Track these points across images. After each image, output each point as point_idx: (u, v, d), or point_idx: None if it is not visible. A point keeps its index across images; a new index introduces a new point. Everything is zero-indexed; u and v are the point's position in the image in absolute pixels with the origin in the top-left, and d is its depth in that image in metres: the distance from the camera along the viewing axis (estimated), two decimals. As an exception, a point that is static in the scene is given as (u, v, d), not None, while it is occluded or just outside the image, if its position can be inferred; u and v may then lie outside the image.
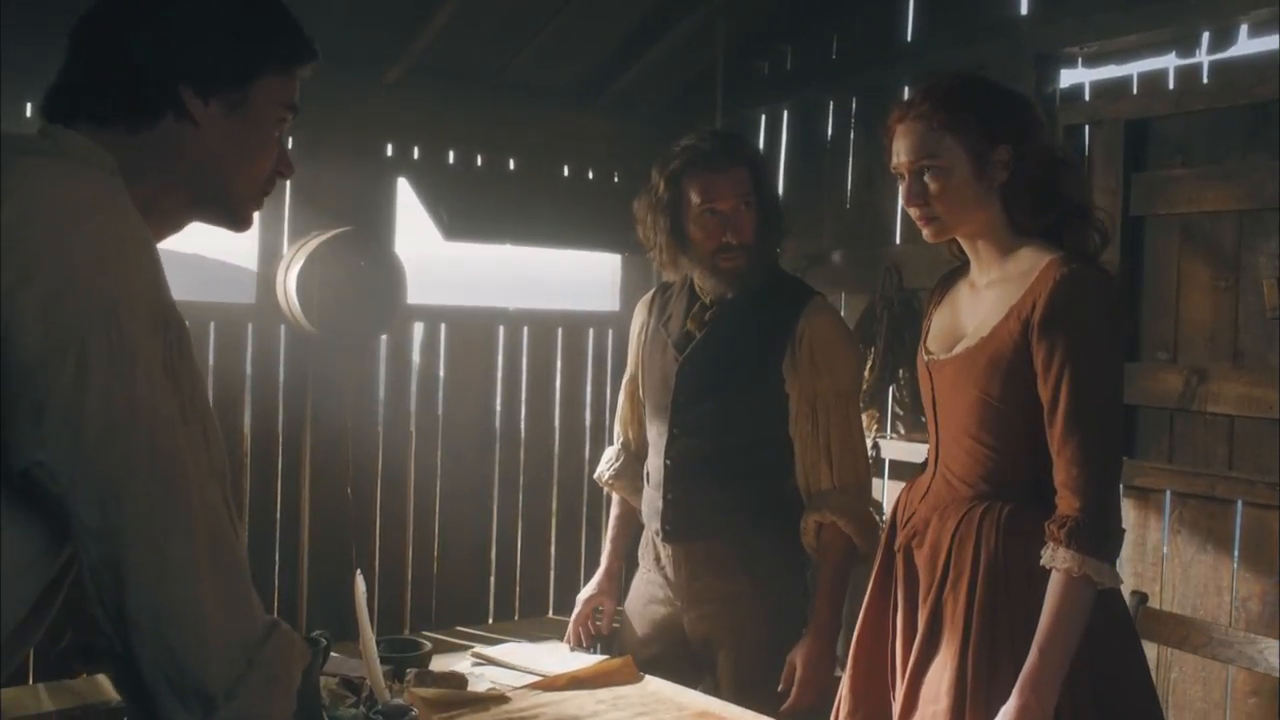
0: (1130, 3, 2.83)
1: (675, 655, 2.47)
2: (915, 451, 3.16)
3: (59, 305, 1.04)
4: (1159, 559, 2.81)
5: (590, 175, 4.04)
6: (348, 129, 3.46)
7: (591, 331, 4.13)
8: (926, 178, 1.84)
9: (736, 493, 2.41)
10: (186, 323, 1.17)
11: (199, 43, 1.23)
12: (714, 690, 2.39)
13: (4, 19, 2.58)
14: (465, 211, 3.66)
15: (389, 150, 3.63)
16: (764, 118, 3.92)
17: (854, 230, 3.59)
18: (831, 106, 3.70)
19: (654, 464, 2.52)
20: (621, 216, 2.67)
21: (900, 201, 1.94)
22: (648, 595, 2.55)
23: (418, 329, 3.78)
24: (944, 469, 1.94)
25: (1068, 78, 3.07)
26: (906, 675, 1.89)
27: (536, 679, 2.30)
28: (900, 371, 3.33)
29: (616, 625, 2.67)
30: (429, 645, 2.35)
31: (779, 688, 2.33)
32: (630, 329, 2.71)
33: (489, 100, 3.75)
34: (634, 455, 2.70)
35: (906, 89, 3.42)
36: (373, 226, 3.52)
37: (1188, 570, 2.75)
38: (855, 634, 2.06)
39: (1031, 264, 1.82)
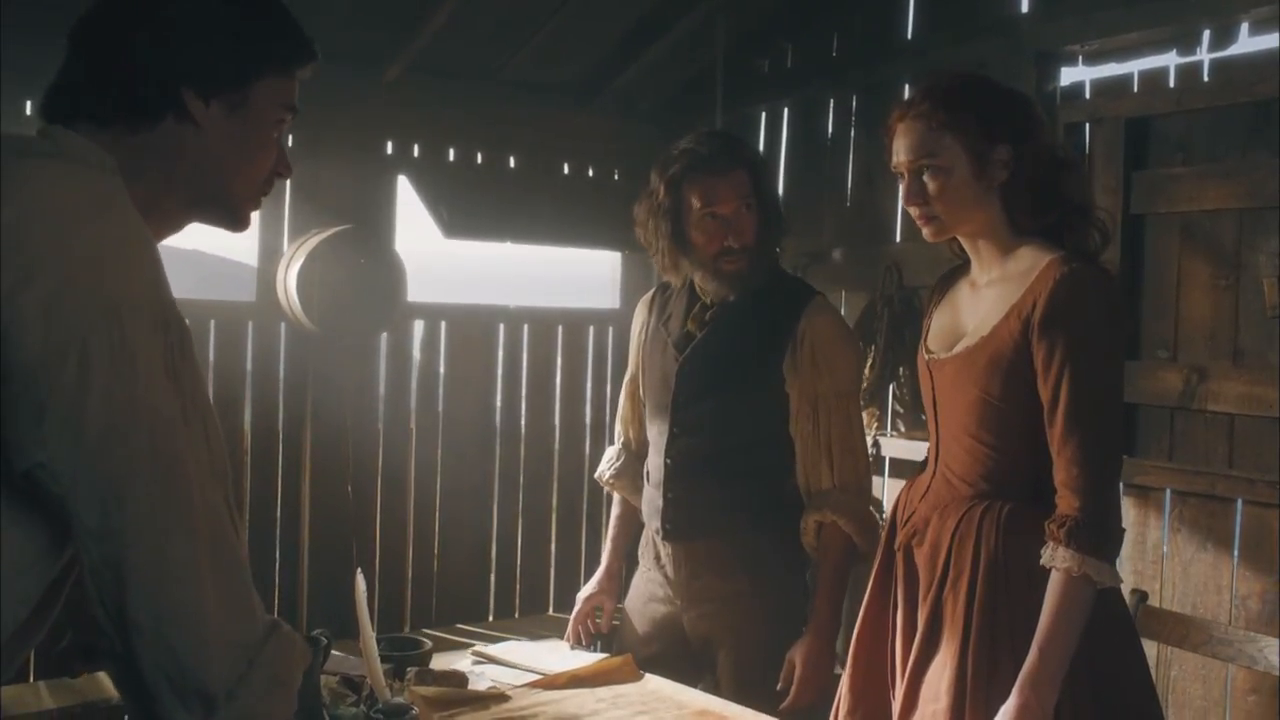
0: (1131, 1, 2.83)
1: (675, 654, 2.47)
2: (915, 450, 3.16)
3: (60, 306, 1.04)
4: (1159, 557, 2.81)
5: (590, 173, 4.05)
6: (348, 127, 3.47)
7: (592, 329, 4.13)
8: (926, 177, 1.84)
9: (736, 492, 2.41)
10: (187, 322, 1.17)
11: (200, 44, 1.23)
12: (714, 689, 2.39)
13: (4, 18, 2.57)
14: (465, 209, 3.66)
15: (389, 148, 3.64)
16: (764, 115, 3.92)
17: (854, 228, 3.59)
18: (832, 104, 3.71)
19: (654, 463, 2.52)
20: (621, 214, 2.67)
21: (900, 200, 1.93)
22: (648, 594, 2.55)
23: (418, 327, 3.78)
24: (944, 468, 1.94)
25: (1068, 76, 3.08)
26: (906, 674, 1.89)
27: (537, 677, 2.30)
28: (900, 370, 3.33)
29: (616, 623, 2.68)
30: (429, 644, 2.35)
31: (778, 686, 2.33)
32: (630, 328, 2.71)
33: (489, 98, 3.75)
34: (634, 454, 2.70)
35: (907, 87, 3.42)
36: (373, 224, 3.52)
37: (1188, 569, 2.75)
38: (855, 632, 2.06)
39: (1032, 263, 1.82)
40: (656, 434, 2.52)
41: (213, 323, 3.38)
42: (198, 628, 1.08)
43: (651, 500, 2.53)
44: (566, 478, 4.08)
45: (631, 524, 2.72)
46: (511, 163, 3.88)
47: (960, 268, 2.03)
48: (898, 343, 3.31)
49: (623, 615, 2.64)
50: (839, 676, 2.13)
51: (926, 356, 1.98)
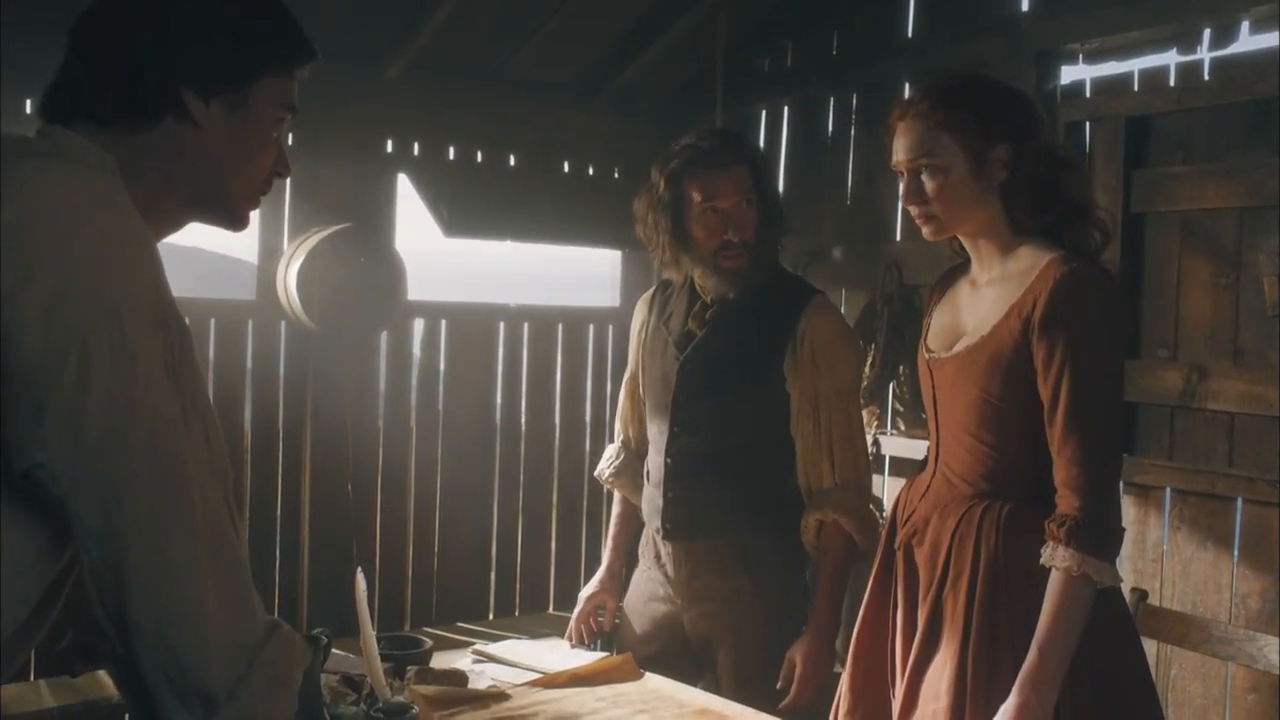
0: (1131, -1, 2.83)
1: (675, 653, 2.47)
2: (915, 448, 3.16)
3: (60, 306, 1.04)
4: (1159, 556, 2.81)
5: (590, 171, 4.05)
6: (348, 125, 3.47)
7: (592, 327, 4.13)
8: (924, 176, 1.84)
9: (737, 491, 2.41)
10: (187, 321, 1.17)
11: (200, 44, 1.23)
12: (714, 688, 2.39)
13: (4, 16, 2.57)
14: (465, 208, 3.66)
15: (389, 146, 3.64)
16: (764, 114, 3.92)
17: (854, 227, 3.59)
18: (832, 103, 3.70)
19: (654, 462, 2.52)
20: (622, 212, 2.67)
21: (900, 199, 1.93)
22: (648, 593, 2.55)
23: (418, 325, 3.79)
24: (944, 467, 1.94)
25: (1069, 74, 3.07)
26: (906, 673, 1.89)
27: (537, 676, 2.30)
28: (900, 368, 3.33)
29: (618, 622, 2.68)
30: (429, 642, 2.35)
31: (779, 685, 2.33)
32: (630, 327, 2.71)
33: (489, 97, 3.75)
34: (634, 453, 2.70)
35: (907, 86, 3.43)
36: (373, 223, 3.52)
37: (1187, 567, 2.75)
38: (855, 631, 2.06)
39: (1032, 262, 1.81)
40: (657, 433, 2.51)
41: (213, 321, 3.38)
42: (198, 628, 1.08)
43: (651, 499, 2.53)
44: (567, 476, 4.08)
45: (632, 523, 2.72)
46: (511, 161, 3.88)
47: (960, 266, 2.03)
48: (898, 341, 3.31)
49: (623, 614, 2.64)
50: (839, 675, 2.13)
51: (927, 355, 1.98)
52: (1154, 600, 2.58)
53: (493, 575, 3.95)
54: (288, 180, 3.16)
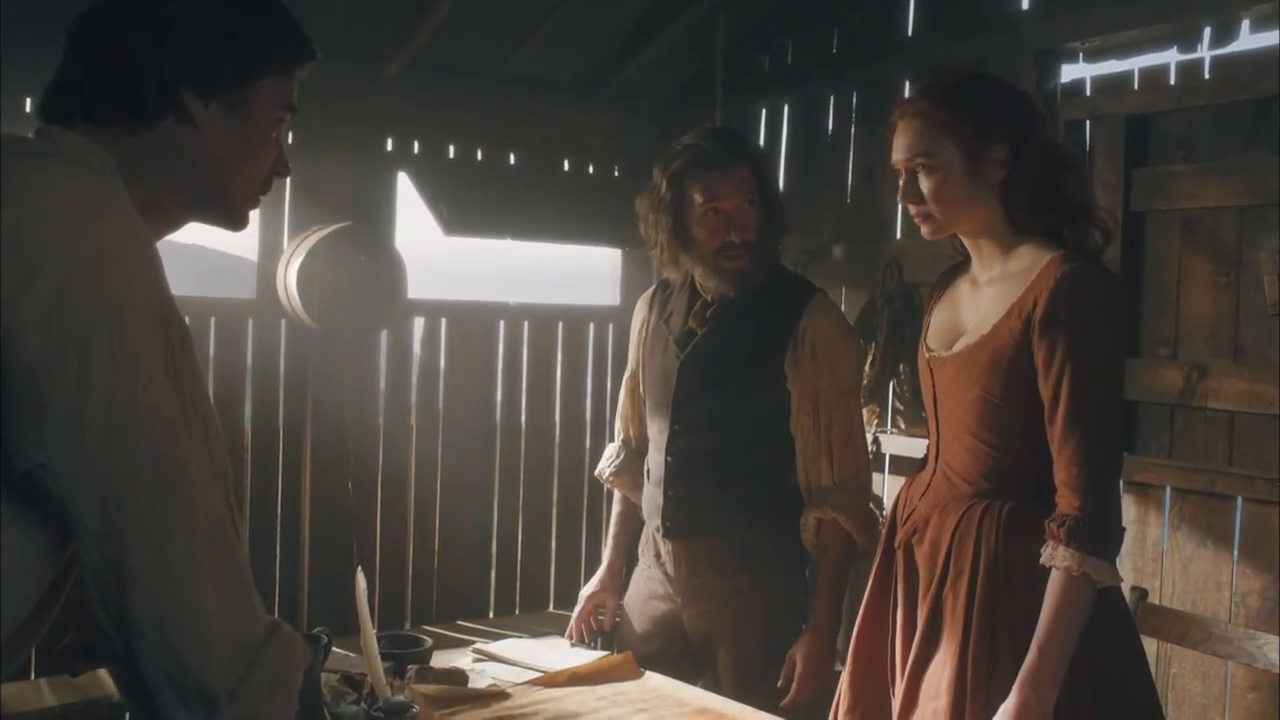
0: (1132, -3, 2.83)
1: (675, 651, 2.48)
2: (915, 447, 3.16)
3: (61, 307, 1.04)
4: (1159, 554, 2.81)
5: (590, 170, 4.05)
6: (348, 124, 3.47)
7: (592, 326, 4.13)
8: (921, 176, 1.84)
9: (737, 490, 2.41)
10: (187, 320, 1.17)
11: (199, 44, 1.23)
12: (714, 686, 2.40)
13: (3, 14, 2.57)
14: (465, 206, 3.66)
15: (389, 145, 3.64)
16: (764, 112, 3.92)
17: (854, 225, 3.59)
18: (832, 101, 3.70)
19: (655, 460, 2.52)
20: (622, 211, 2.67)
21: (899, 197, 1.94)
22: (648, 591, 2.55)
23: (418, 324, 3.79)
24: (944, 466, 1.94)
25: (1069, 73, 3.07)
26: (906, 672, 1.89)
27: (537, 675, 2.30)
28: (900, 366, 3.33)
29: (617, 620, 2.68)
30: (430, 641, 2.35)
31: (779, 683, 2.34)
32: (631, 325, 2.71)
33: (489, 95, 3.75)
34: (635, 452, 2.70)
35: (907, 84, 3.43)
36: (373, 221, 3.53)
37: (1187, 566, 2.75)
38: (855, 630, 2.06)
39: (1033, 261, 1.81)
40: (657, 431, 2.52)
41: (213, 320, 3.38)
42: (198, 628, 1.08)
43: (652, 498, 2.53)
44: (567, 475, 4.08)
45: (632, 522, 2.72)
46: (512, 160, 3.88)
47: (960, 265, 2.03)
48: (898, 340, 3.31)
49: (623, 613, 2.64)
50: (839, 674, 2.13)
51: (927, 354, 1.98)
52: (1154, 599, 2.58)
53: (493, 574, 3.95)
54: (288, 179, 3.18)
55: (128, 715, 1.26)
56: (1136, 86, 2.91)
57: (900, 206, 2.00)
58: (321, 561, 3.50)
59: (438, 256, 4.47)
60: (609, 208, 3.68)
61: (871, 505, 2.42)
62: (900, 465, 3.38)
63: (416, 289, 3.56)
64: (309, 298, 3.25)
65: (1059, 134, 2.86)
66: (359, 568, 2.10)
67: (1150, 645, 2.14)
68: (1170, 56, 2.87)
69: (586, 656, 2.45)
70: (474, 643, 2.58)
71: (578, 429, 4.11)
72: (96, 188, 1.15)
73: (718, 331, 2.44)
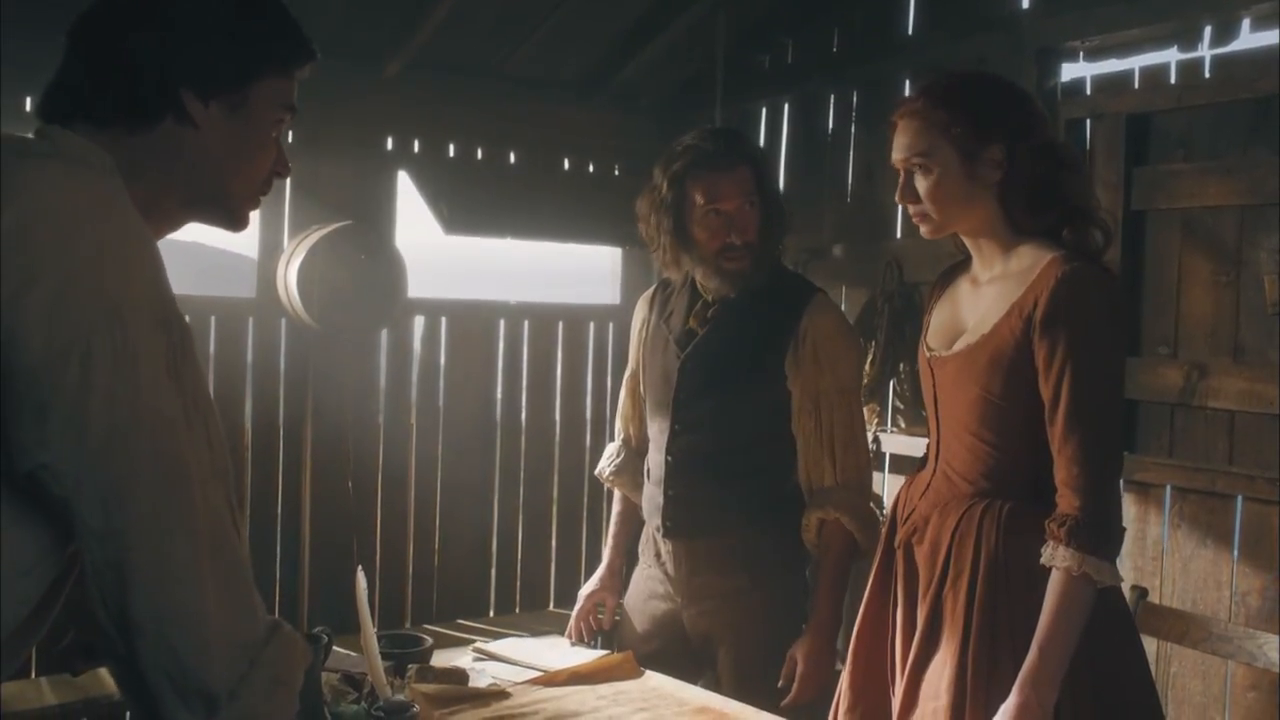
0: (1132, -4, 2.83)
1: (675, 651, 2.48)
2: (915, 446, 3.16)
3: (63, 308, 1.05)
4: (1159, 554, 2.81)
5: (591, 169, 4.05)
6: (348, 123, 3.46)
7: (592, 325, 4.13)
8: (918, 175, 1.85)
9: (737, 489, 2.41)
10: (187, 319, 1.17)
11: (200, 45, 1.23)
12: (714, 686, 2.40)
13: (3, 13, 2.57)
14: (466, 205, 3.66)
15: (389, 144, 3.63)
16: (765, 111, 3.92)
17: (855, 224, 3.58)
18: (832, 100, 3.70)
19: (655, 460, 2.52)
20: (622, 210, 2.66)
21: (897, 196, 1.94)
22: (648, 591, 2.55)
23: (419, 323, 3.79)
24: (944, 465, 1.94)
25: (1069, 72, 3.07)
26: (906, 671, 1.89)
27: (537, 674, 2.31)
28: (901, 365, 3.33)
29: (618, 619, 2.68)
30: (430, 641, 2.36)
31: (779, 683, 2.34)
32: (631, 325, 2.71)
33: (489, 94, 3.75)
34: (635, 451, 2.70)
35: (907, 83, 3.43)
36: (373, 220, 3.52)
37: (1188, 565, 2.75)
38: (855, 629, 2.06)
39: (1033, 261, 1.81)
40: (658, 431, 2.52)
41: (213, 319, 3.38)
42: (199, 628, 1.08)
43: (652, 497, 2.53)
44: (567, 473, 4.08)
45: (632, 521, 2.72)
46: (512, 158, 3.88)
47: (961, 264, 2.03)
48: (898, 339, 3.31)
49: (623, 612, 2.64)
50: (840, 673, 2.13)
51: (927, 353, 1.98)
52: (1154, 598, 2.58)
53: (493, 572, 3.95)
54: (288, 178, 3.18)
55: (128, 714, 1.26)
56: (1137, 85, 2.91)
57: (900, 206, 2.00)
58: (322, 560, 3.50)
59: (438, 255, 4.47)
60: (609, 207, 3.68)
61: (872, 505, 2.42)
62: (900, 464, 3.38)
63: (417, 288, 3.56)
64: (309, 297, 3.25)
65: (1059, 133, 2.86)
66: (359, 567, 2.10)
67: (1150, 644, 2.14)
68: (1170, 55, 2.87)
69: (587, 656, 2.45)
70: (474, 642, 2.58)
71: (578, 428, 4.11)
72: (97, 188, 1.15)
73: (718, 331, 2.44)
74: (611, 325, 4.14)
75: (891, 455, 3.42)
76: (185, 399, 1.12)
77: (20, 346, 1.03)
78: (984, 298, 1.89)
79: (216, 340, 3.38)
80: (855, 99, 3.63)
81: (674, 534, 2.47)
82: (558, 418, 4.06)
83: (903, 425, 3.39)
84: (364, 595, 2.04)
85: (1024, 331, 1.77)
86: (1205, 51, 2.78)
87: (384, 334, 3.67)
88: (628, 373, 2.71)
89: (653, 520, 2.53)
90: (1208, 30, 2.77)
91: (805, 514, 2.39)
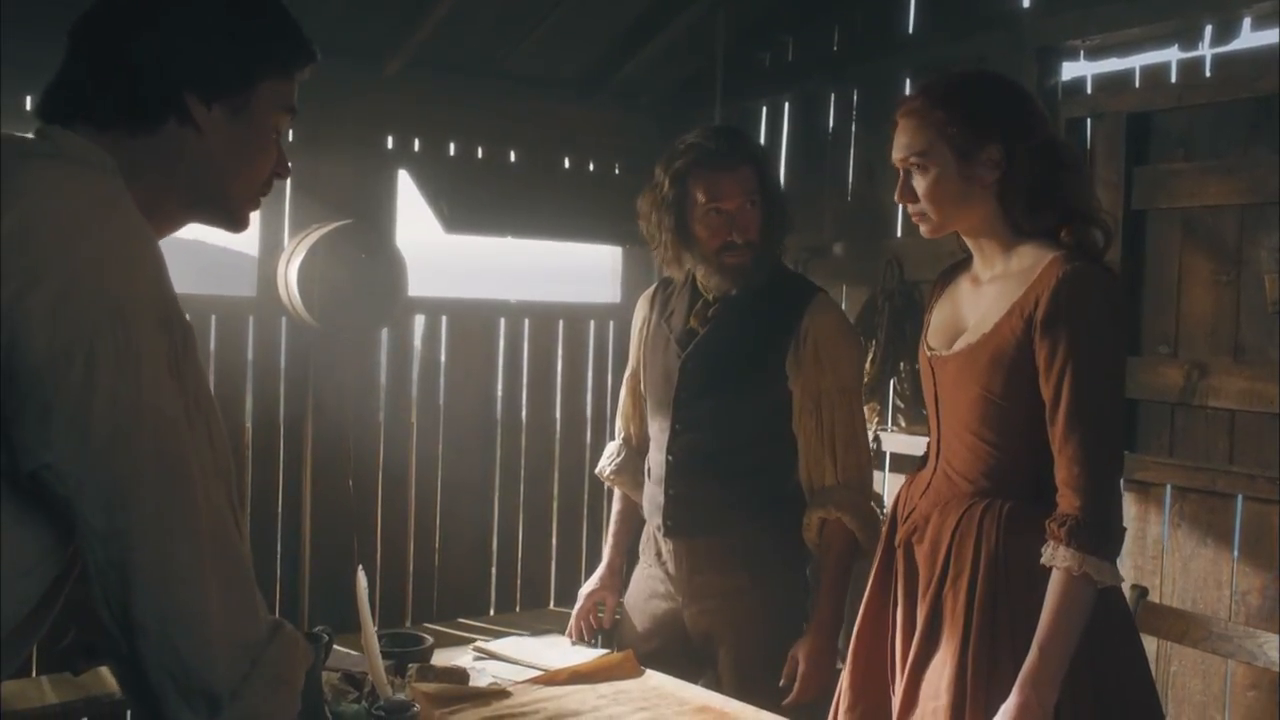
0: (1132, -4, 2.83)
1: (676, 650, 2.48)
2: (916, 444, 3.16)
3: (66, 308, 1.05)
4: (1159, 553, 2.81)
5: (591, 167, 4.04)
6: (348, 122, 3.46)
7: (593, 323, 4.13)
8: (915, 175, 1.85)
9: (738, 489, 2.41)
10: (188, 318, 1.17)
11: (203, 47, 1.23)
12: (714, 685, 2.40)
13: (4, 12, 2.57)
14: (466, 204, 3.66)
15: (389, 143, 3.63)
16: (765, 110, 3.92)
17: (855, 222, 3.58)
18: (833, 98, 3.70)
19: (656, 459, 2.52)
20: (622, 208, 2.66)
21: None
22: (649, 590, 2.55)
23: (419, 321, 3.79)
24: (945, 464, 1.94)
25: (1069, 70, 3.07)
26: (906, 670, 1.89)
27: (538, 673, 2.31)
28: (901, 364, 3.33)
29: (618, 618, 2.68)
30: (431, 640, 2.36)
31: (781, 683, 2.34)
32: (631, 324, 2.71)
33: (489, 93, 3.75)
34: (635, 450, 2.70)
35: (908, 82, 3.43)
36: (373, 219, 3.52)
37: (1188, 564, 2.75)
38: (855, 628, 2.07)
39: (1034, 260, 1.81)
40: (658, 430, 2.52)
41: (214, 318, 3.38)
42: (202, 628, 1.09)
43: (653, 496, 2.53)
44: (567, 472, 4.08)
45: (632, 520, 2.72)
46: (512, 157, 3.88)
47: (962, 263, 2.03)
48: (898, 337, 3.31)
49: (623, 611, 2.64)
50: (841, 672, 2.13)
51: (928, 352, 1.98)
52: (1154, 597, 2.58)
53: (493, 571, 3.95)
54: (288, 178, 3.18)
55: (129, 713, 1.26)
56: (1137, 84, 2.91)
57: (901, 204, 2.01)
58: (322, 559, 3.50)
59: (438, 253, 4.47)
60: (609, 205, 3.68)
61: (873, 504, 2.43)
62: (900, 463, 3.38)
63: (417, 286, 3.56)
64: (309, 296, 3.25)
65: (1060, 133, 2.85)
66: (359, 566, 2.10)
67: (1150, 643, 2.14)
68: (1171, 54, 2.87)
69: (587, 655, 2.45)
70: (475, 641, 2.58)
71: (578, 426, 4.11)
72: (99, 188, 1.15)
73: (719, 330, 2.44)
74: (612, 324, 4.14)
75: (892, 454, 3.42)
76: (187, 399, 1.12)
77: (23, 347, 1.04)
78: (985, 297, 1.89)
79: (217, 339, 3.38)
80: (856, 97, 3.63)
81: (675, 533, 2.47)
82: (558, 416, 4.06)
83: (903, 424, 3.39)
84: (364, 594, 2.04)
85: (1025, 331, 1.77)
86: (1206, 50, 2.78)
87: (384, 332, 3.67)
88: (628, 371, 2.71)
89: (653, 519, 2.53)
90: (1208, 29, 2.77)
91: (806, 513, 2.39)
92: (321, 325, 3.32)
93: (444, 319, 3.81)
